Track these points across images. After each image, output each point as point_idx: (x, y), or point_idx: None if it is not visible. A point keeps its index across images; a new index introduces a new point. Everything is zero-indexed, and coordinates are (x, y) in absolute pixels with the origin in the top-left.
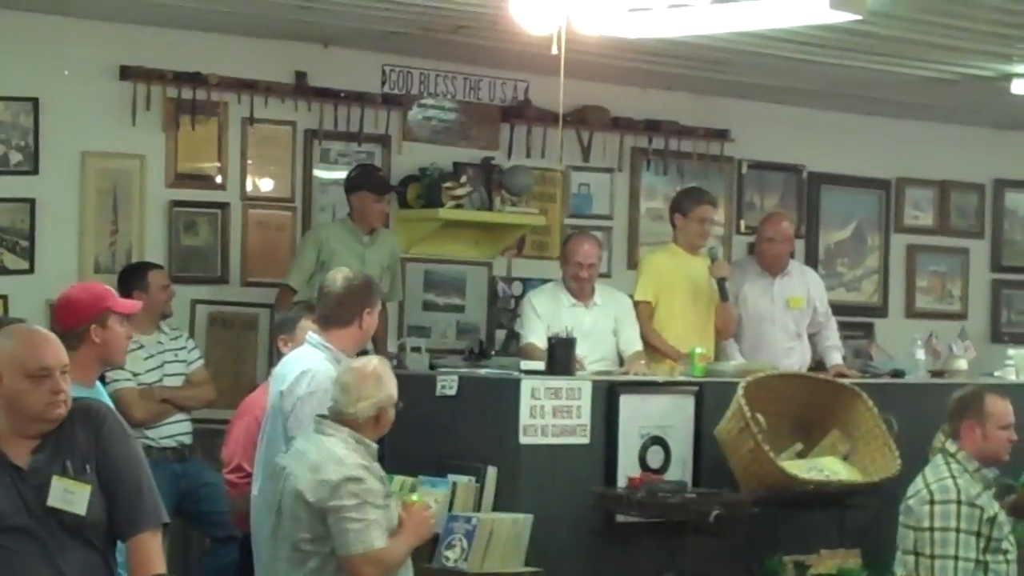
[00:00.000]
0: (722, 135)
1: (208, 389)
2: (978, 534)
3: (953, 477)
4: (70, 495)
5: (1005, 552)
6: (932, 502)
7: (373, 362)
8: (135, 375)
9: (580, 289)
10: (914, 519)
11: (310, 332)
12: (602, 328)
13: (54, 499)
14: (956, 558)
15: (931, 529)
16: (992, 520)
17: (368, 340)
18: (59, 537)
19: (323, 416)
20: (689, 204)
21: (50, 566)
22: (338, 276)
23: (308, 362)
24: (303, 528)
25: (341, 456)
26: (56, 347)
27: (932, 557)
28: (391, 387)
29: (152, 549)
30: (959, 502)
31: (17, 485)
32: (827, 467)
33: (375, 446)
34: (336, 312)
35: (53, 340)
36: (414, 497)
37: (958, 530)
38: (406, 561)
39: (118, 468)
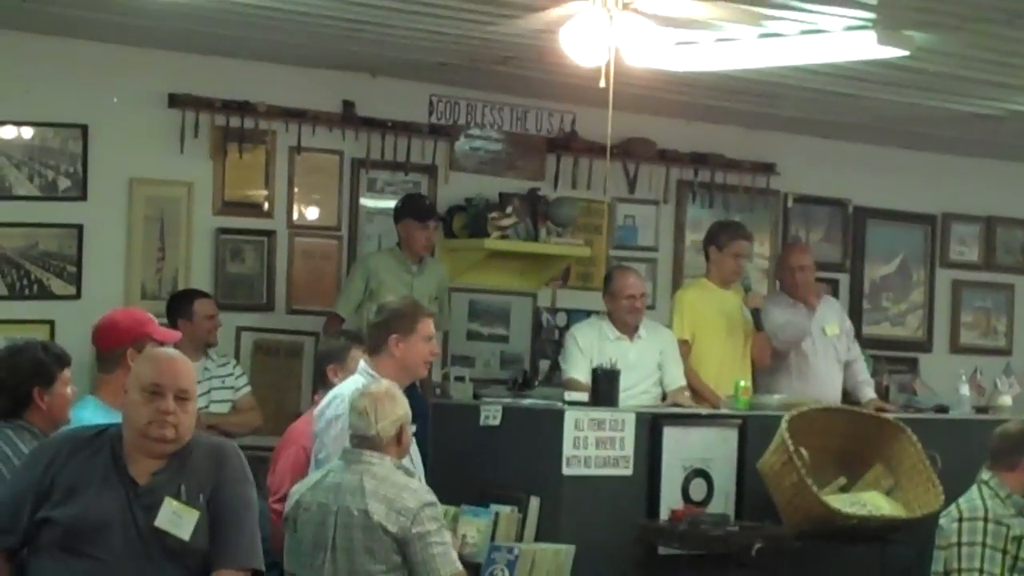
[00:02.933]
0: (768, 168)
1: (254, 416)
2: (1004, 551)
3: (983, 499)
4: (178, 518)
5: None
6: (961, 519)
7: (383, 383)
8: None
9: (632, 321)
10: (944, 538)
11: (361, 360)
12: (647, 362)
13: (162, 520)
14: (981, 571)
15: (959, 544)
16: (1019, 540)
17: (418, 368)
18: (157, 560)
19: (353, 447)
20: (725, 238)
21: None
22: (381, 304)
23: (344, 387)
24: (379, 560)
25: (406, 483)
26: (177, 371)
27: (959, 571)
28: (405, 404)
29: None
30: (986, 519)
31: (130, 499)
32: (870, 502)
33: (412, 468)
34: (370, 339)
35: (178, 364)
36: None
37: (984, 545)
38: None
39: (228, 505)
